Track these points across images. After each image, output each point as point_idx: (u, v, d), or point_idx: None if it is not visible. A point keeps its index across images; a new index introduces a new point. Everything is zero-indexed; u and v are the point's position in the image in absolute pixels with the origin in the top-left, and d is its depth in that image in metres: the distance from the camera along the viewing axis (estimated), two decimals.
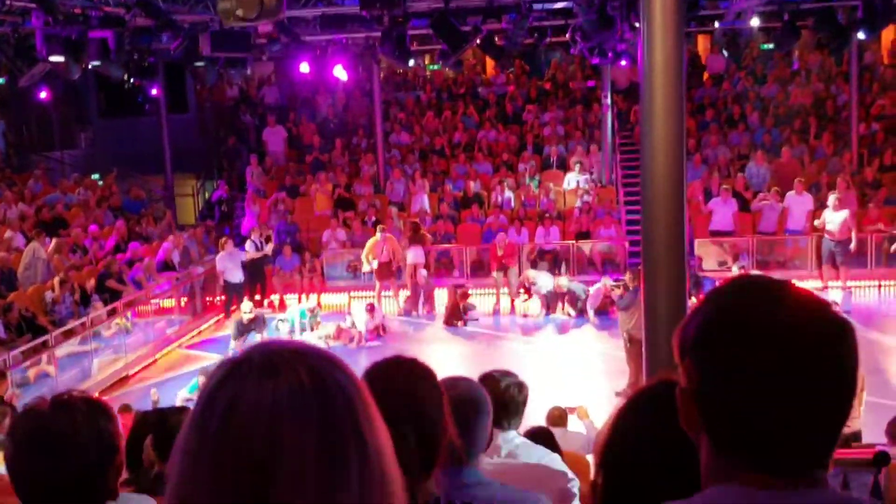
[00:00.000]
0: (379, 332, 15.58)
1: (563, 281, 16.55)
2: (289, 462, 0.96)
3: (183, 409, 4.41)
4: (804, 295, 1.25)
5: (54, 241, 15.96)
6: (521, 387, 3.79)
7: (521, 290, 16.83)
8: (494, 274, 17.18)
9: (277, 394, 0.98)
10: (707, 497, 1.25)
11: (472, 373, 2.97)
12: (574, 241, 18.34)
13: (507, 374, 3.78)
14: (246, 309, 15.02)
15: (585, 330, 15.67)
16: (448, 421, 2.06)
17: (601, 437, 5.93)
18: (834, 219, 16.35)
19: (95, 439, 1.89)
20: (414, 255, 17.44)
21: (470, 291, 17.03)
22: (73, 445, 1.86)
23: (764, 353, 1.18)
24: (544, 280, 16.61)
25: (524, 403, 3.81)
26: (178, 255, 17.40)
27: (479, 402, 2.45)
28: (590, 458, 6.13)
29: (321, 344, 14.49)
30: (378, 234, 17.12)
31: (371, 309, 15.55)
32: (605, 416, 6.91)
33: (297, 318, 15.60)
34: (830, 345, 1.20)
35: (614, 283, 6.75)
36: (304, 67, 17.22)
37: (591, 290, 15.90)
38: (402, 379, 2.05)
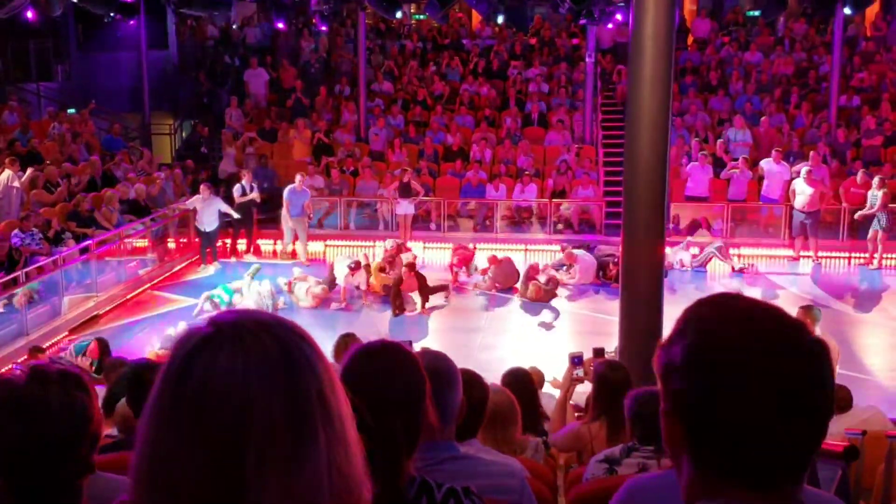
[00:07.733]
0: (359, 289, 14.85)
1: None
2: (260, 423, 1.06)
3: (156, 366, 4.34)
4: (780, 314, 1.30)
5: (29, 171, 15.74)
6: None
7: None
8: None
9: (247, 363, 1.08)
10: None
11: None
12: (550, 200, 18.35)
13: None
14: (206, 295, 14.12)
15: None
16: (429, 403, 2.06)
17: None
18: (805, 190, 16.44)
19: (67, 409, 1.94)
20: (405, 207, 17.56)
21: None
22: (43, 414, 1.91)
23: (749, 373, 1.23)
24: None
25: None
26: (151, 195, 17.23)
27: (450, 374, 2.42)
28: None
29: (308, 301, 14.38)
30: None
31: (356, 267, 14.81)
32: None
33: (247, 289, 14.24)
34: (811, 363, 1.26)
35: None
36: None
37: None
38: (388, 369, 2.04)
